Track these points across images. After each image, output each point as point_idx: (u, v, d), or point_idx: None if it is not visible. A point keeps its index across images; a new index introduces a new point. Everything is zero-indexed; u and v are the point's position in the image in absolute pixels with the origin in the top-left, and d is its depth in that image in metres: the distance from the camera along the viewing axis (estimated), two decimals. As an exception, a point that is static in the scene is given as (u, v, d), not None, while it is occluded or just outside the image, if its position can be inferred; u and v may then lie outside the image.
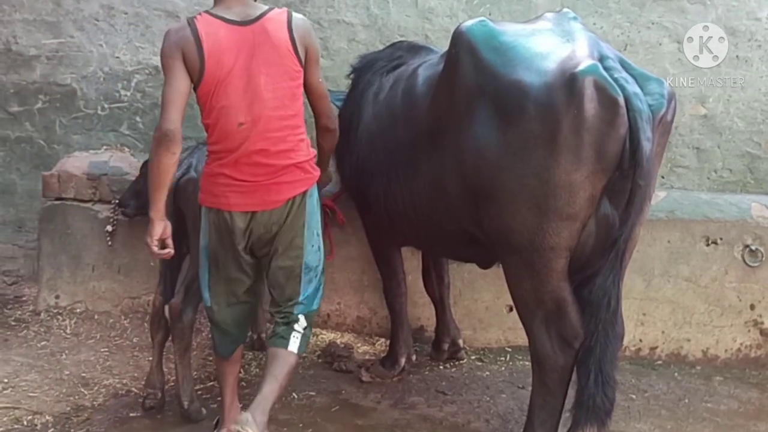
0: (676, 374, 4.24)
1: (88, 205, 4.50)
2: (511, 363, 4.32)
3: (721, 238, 4.42)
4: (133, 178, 4.38)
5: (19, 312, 4.58)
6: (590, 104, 2.52)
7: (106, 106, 5.17)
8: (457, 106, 2.87)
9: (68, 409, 3.39)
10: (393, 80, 3.50)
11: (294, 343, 2.85)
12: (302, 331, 2.89)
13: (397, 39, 5.11)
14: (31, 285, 4.77)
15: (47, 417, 3.29)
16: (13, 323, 4.42)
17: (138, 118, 5.15)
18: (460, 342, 4.25)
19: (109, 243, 4.43)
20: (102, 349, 4.09)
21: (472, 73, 2.82)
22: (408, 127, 3.21)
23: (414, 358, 4.11)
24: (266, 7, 2.84)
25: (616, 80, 2.57)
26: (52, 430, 3.20)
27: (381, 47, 5.05)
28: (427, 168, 3.10)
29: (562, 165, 2.58)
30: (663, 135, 2.75)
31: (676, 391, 4.02)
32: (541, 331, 2.82)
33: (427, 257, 4.20)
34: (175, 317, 3.28)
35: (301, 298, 2.92)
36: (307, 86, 2.91)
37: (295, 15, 2.86)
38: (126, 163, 4.57)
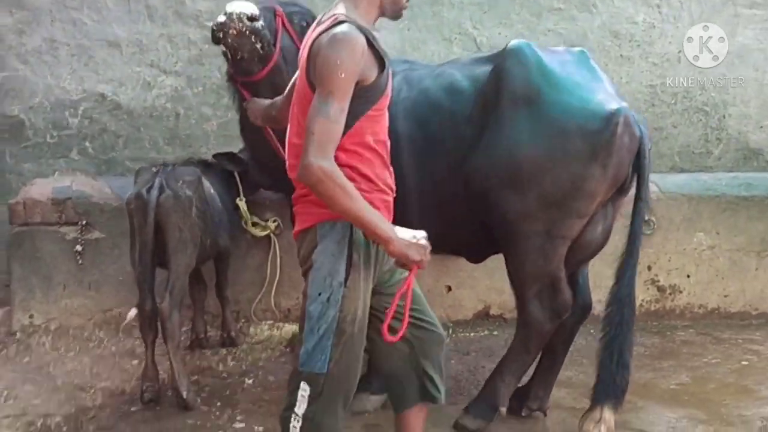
0: (591, 330, 4.92)
1: (55, 228, 4.76)
2: (453, 335, 4.94)
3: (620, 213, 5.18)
4: (98, 200, 4.76)
5: (-6, 335, 4.81)
6: (623, 134, 3.24)
7: (54, 134, 5.44)
8: (501, 109, 3.36)
9: (73, 410, 3.72)
10: (407, 83, 3.67)
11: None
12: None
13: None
14: (4, 308, 4.97)
15: (57, 418, 3.62)
16: (-10, 345, 4.65)
17: (87, 144, 5.46)
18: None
19: (80, 262, 4.74)
20: (85, 359, 4.39)
21: (521, 85, 3.34)
22: (446, 121, 3.53)
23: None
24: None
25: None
26: (65, 428, 3.55)
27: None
28: (451, 157, 3.49)
29: (595, 177, 3.27)
30: None
31: (593, 344, 4.66)
32: (534, 302, 3.46)
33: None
34: (165, 319, 3.69)
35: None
36: None
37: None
38: (88, 186, 4.85)
